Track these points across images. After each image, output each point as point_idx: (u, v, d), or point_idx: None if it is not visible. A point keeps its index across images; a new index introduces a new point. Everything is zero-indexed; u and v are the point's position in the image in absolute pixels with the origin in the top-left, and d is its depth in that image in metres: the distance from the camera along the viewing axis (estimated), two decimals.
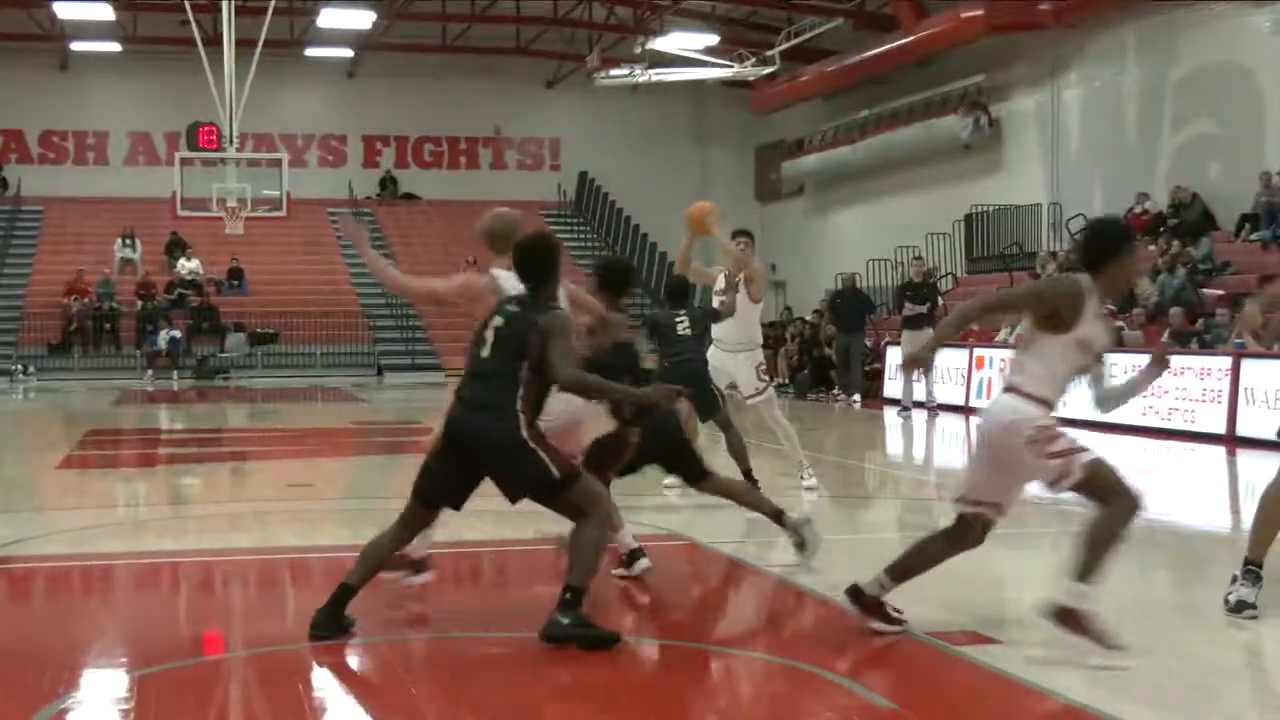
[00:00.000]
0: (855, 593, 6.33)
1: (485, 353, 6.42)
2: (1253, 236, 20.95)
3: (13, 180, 35.48)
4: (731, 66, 31.68)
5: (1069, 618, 5.76)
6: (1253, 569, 6.50)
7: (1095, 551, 5.94)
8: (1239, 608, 6.47)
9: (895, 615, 6.28)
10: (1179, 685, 5.67)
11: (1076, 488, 6.03)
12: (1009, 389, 6.16)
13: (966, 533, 6.30)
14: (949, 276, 26.72)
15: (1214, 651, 6.18)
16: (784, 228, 36.99)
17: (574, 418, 7.48)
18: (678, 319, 11.04)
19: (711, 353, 11.46)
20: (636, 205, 36.85)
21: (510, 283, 6.97)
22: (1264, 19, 21.80)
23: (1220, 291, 19.74)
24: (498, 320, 6.42)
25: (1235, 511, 11.43)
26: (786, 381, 25.48)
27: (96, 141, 36.29)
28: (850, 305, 23.75)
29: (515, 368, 6.30)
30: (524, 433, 6.26)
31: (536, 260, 6.78)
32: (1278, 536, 6.64)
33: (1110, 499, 5.99)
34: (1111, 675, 5.66)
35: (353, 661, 6.45)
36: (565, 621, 6.09)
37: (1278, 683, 6.10)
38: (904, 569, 6.42)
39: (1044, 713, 5.52)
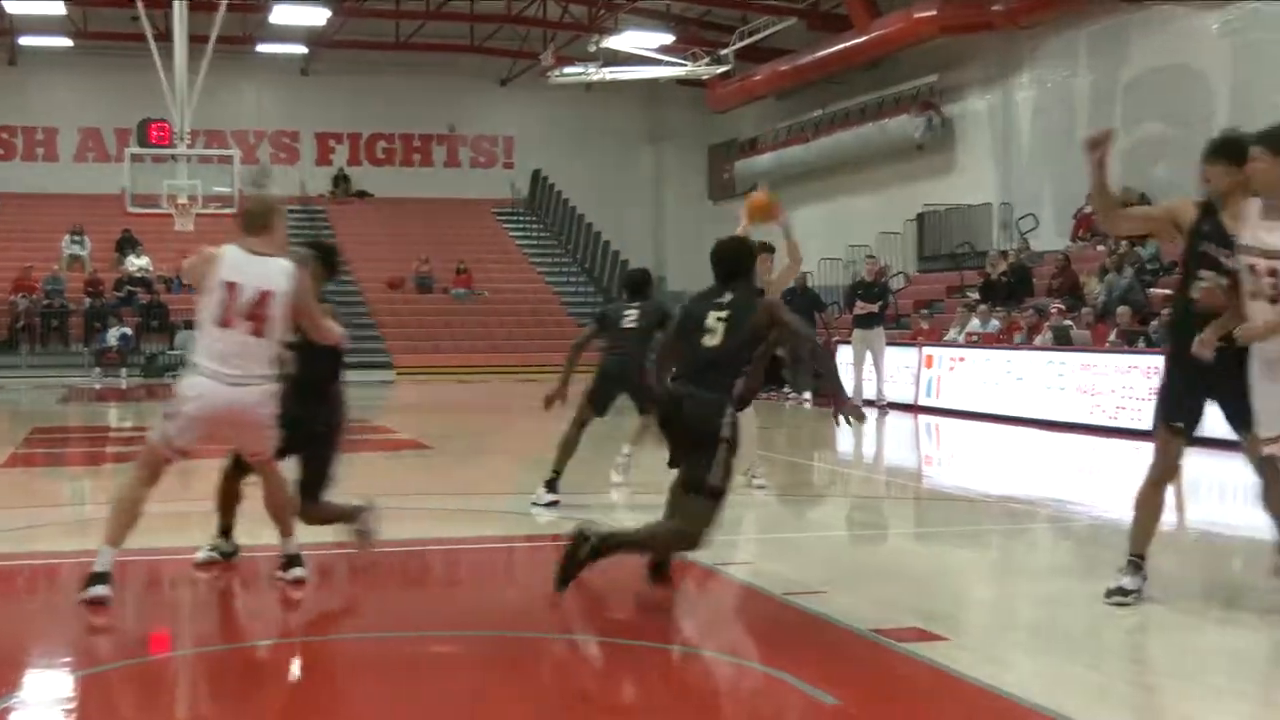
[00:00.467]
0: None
1: (714, 341, 6.81)
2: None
3: None
4: (685, 65, 31.75)
5: None
6: (1135, 560, 6.72)
7: None
8: (1113, 593, 6.62)
9: None
10: (1122, 681, 5.77)
11: None
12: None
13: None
14: (900, 275, 26.76)
15: (1158, 648, 6.25)
16: (736, 226, 36.77)
17: None
18: (626, 312, 10.88)
19: None
20: (590, 204, 36.96)
21: (236, 257, 6.86)
22: (1212, 21, 22.03)
23: (1167, 291, 19.86)
24: (719, 313, 6.87)
25: (1179, 509, 11.52)
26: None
27: (45, 137, 36.03)
28: (800, 304, 23.81)
29: (745, 356, 6.81)
30: (725, 431, 6.65)
31: (740, 257, 7.49)
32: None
33: None
34: (1057, 671, 5.72)
35: (297, 660, 6.44)
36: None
37: (1221, 678, 6.15)
38: None
39: (988, 709, 5.46)
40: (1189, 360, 6.60)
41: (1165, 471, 6.94)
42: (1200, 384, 6.76)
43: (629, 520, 9.49)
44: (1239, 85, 21.50)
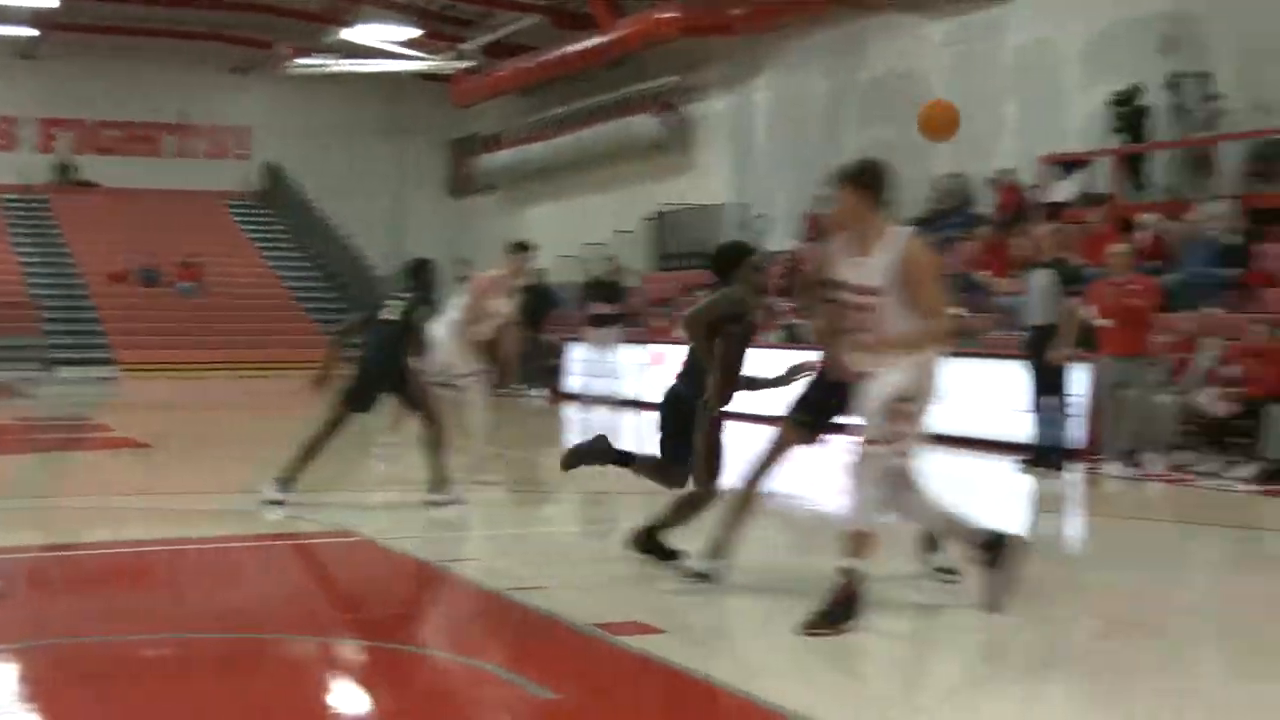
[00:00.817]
0: None
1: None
2: (926, 236, 21.67)
3: None
4: (428, 60, 31.61)
5: None
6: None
7: None
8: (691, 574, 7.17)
9: None
10: (828, 667, 6.00)
11: None
12: None
13: None
14: (635, 274, 26.96)
15: (860, 634, 6.37)
16: (476, 224, 37.09)
17: None
18: (388, 303, 10.54)
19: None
20: (328, 198, 36.55)
21: None
22: (937, 31, 22.67)
23: None
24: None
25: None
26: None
27: None
28: (533, 302, 23.89)
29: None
30: None
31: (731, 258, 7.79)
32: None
33: None
34: (762, 658, 5.96)
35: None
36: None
37: (917, 666, 6.36)
38: None
39: (697, 695, 5.60)
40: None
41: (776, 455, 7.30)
42: (832, 391, 7.02)
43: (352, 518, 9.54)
44: (959, 92, 22.18)
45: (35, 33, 33.14)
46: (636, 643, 6.08)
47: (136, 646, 6.44)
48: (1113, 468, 12.83)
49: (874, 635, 6.35)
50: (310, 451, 10.05)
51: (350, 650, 6.66)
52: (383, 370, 10.30)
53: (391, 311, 10.39)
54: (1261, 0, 17.80)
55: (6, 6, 30.22)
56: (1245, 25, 17.92)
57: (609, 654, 6.18)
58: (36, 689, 5.79)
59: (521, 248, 12.60)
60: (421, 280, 11.09)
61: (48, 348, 30.45)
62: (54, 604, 7.67)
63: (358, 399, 10.34)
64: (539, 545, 9.80)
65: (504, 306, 12.19)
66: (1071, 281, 12.62)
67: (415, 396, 10.52)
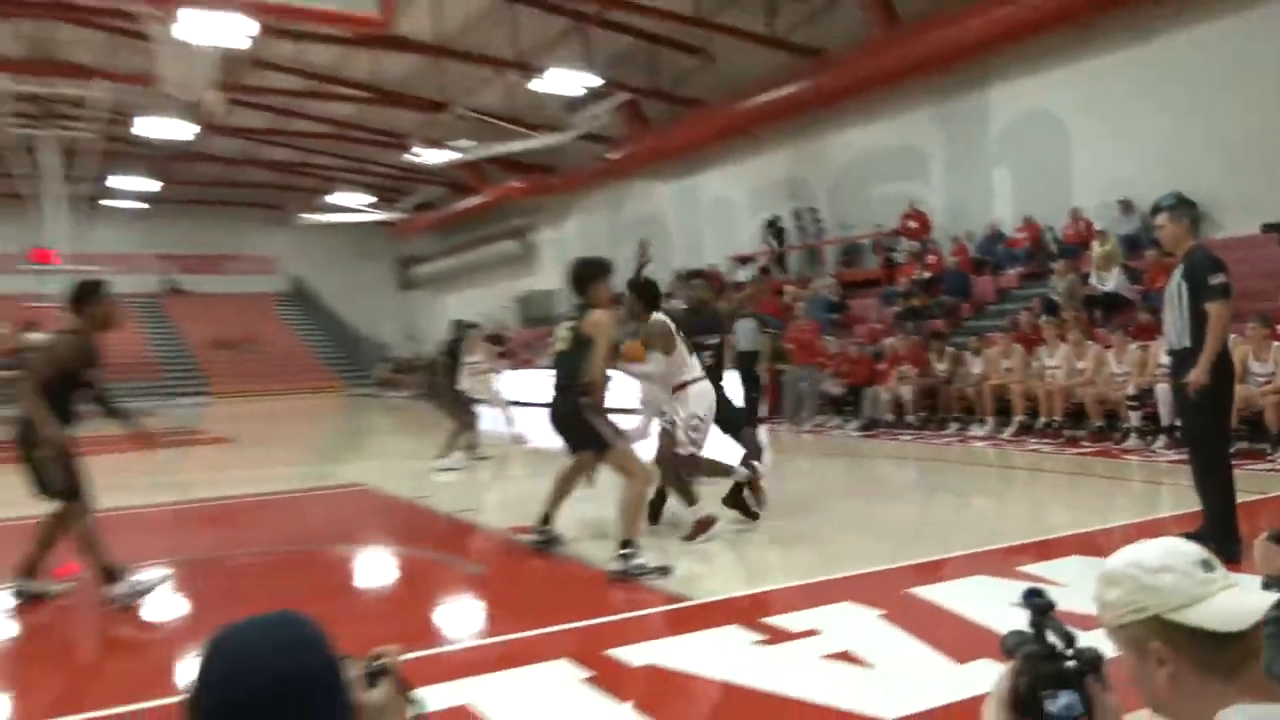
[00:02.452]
0: None
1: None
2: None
3: None
4: (380, 212, 31.21)
5: None
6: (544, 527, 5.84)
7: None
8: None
9: None
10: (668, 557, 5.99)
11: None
12: None
13: None
14: (511, 330, 26.98)
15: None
16: (417, 305, 36.68)
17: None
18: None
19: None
20: (329, 293, 36.00)
21: None
22: (666, 187, 23.11)
23: None
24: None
25: None
26: (424, 391, 25.32)
27: None
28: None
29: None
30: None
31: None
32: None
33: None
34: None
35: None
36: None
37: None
38: None
39: (572, 571, 5.54)
40: None
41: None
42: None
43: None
44: (682, 225, 22.64)
45: (146, 205, 31.84)
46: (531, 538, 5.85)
47: (238, 557, 6.33)
48: (785, 426, 13.21)
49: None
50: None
51: (356, 551, 6.57)
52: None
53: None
54: (839, 166, 18.57)
55: (130, 190, 29.04)
56: (831, 180, 18.73)
57: (518, 547, 5.95)
58: (192, 584, 5.71)
59: (472, 325, 11.75)
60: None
61: (167, 388, 29.35)
62: (189, 535, 7.52)
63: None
64: (491, 491, 9.30)
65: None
66: (764, 325, 12.70)
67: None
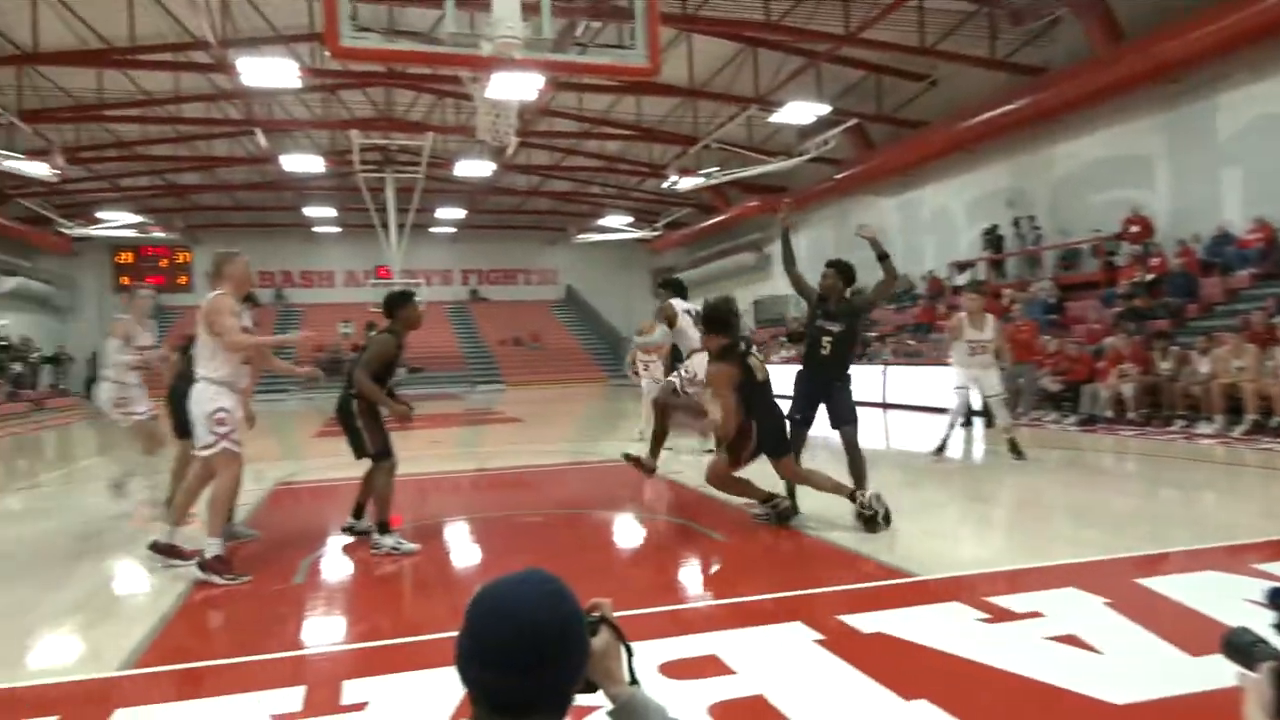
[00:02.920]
0: None
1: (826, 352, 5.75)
2: (889, 307, 21.28)
3: (285, 295, 35.04)
4: (639, 231, 31.99)
5: None
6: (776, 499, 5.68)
7: None
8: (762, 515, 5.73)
9: None
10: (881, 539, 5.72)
11: None
12: None
13: None
14: (750, 330, 26.88)
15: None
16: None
17: None
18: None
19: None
20: (598, 300, 37.23)
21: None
22: (890, 202, 22.30)
23: (874, 334, 20.04)
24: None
25: (887, 442, 11.46)
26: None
27: (327, 274, 35.98)
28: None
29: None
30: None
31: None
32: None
33: None
34: (850, 533, 5.70)
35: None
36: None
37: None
38: None
39: (811, 545, 5.46)
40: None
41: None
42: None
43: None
44: (904, 236, 21.82)
45: (454, 230, 34.35)
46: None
47: (524, 517, 6.41)
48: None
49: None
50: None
51: (617, 516, 6.56)
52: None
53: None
54: (1058, 176, 17.17)
55: (445, 219, 31.41)
56: (1051, 189, 17.32)
57: (751, 521, 5.75)
58: (486, 538, 5.87)
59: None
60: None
61: (470, 377, 31.52)
62: (483, 497, 7.74)
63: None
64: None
65: None
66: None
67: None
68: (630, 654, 1.46)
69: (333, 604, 4.39)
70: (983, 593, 3.93)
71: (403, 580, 4.82)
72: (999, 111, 16.28)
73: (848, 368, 5.89)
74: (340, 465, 7.50)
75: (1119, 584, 4.03)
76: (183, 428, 5.62)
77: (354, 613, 4.20)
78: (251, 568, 4.89)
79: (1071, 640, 3.33)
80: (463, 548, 5.61)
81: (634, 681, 1.45)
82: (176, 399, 5.64)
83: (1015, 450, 8.56)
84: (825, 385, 5.80)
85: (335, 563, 5.16)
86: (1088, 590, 3.92)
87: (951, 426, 9.07)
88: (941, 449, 8.93)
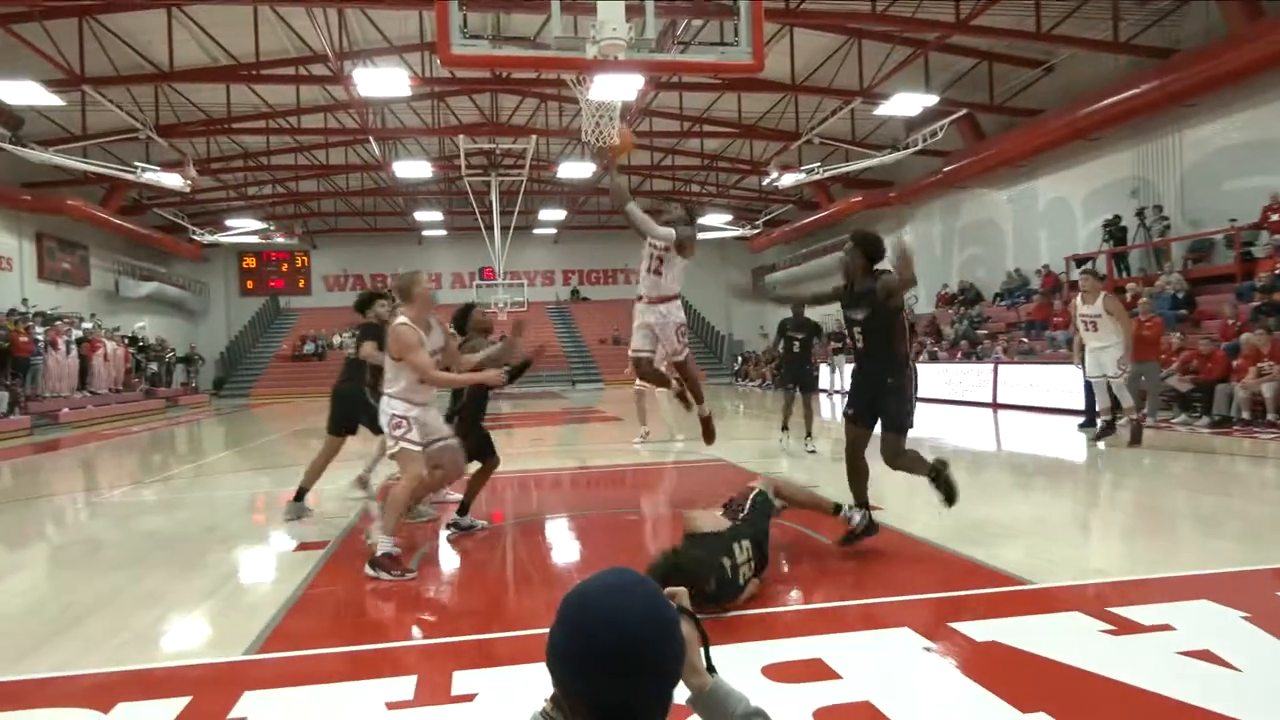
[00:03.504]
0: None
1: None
2: (1001, 303, 20.64)
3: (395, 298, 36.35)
4: (738, 229, 31.80)
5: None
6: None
7: None
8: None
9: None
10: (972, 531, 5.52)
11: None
12: None
13: None
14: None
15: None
16: (767, 309, 36.91)
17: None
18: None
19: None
20: (700, 298, 37.10)
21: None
22: (1002, 195, 21.52)
23: (984, 332, 19.47)
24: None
25: (998, 443, 11.20)
26: (769, 382, 25.65)
27: (436, 277, 37.16)
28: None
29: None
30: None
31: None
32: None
33: None
34: (940, 523, 5.43)
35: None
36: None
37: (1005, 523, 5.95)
38: None
39: (901, 543, 5.33)
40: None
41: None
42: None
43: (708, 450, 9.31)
44: (1017, 229, 21.04)
45: (555, 231, 34.90)
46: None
47: (625, 515, 6.41)
48: (1124, 421, 11.63)
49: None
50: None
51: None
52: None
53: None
54: (1187, 163, 16.19)
55: (548, 221, 31.96)
56: (1179, 177, 16.35)
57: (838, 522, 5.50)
58: (587, 534, 5.87)
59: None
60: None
61: (571, 375, 31.99)
62: (584, 494, 7.63)
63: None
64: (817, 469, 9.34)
65: None
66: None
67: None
68: (707, 644, 1.46)
69: (442, 597, 4.51)
70: (1106, 602, 3.74)
71: (508, 575, 4.92)
72: (1122, 97, 15.44)
73: (894, 361, 4.88)
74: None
75: (1258, 597, 3.76)
76: (334, 423, 6.57)
77: (462, 606, 4.32)
78: (363, 562, 5.09)
79: (1206, 655, 3.13)
80: (564, 543, 5.68)
81: (711, 670, 1.45)
82: (340, 397, 6.59)
83: (1136, 437, 9.11)
84: (872, 383, 4.99)
85: (445, 556, 5.30)
86: (1223, 603, 3.67)
87: (1103, 412, 9.61)
88: (1105, 429, 9.58)
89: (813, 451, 9.45)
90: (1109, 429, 9.62)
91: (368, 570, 4.74)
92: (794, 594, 4.39)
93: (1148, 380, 11.60)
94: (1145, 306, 11.81)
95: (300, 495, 6.48)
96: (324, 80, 17.81)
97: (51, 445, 14.39)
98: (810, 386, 10.28)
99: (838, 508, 4.96)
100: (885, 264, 5.08)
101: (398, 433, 4.96)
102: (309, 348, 33.17)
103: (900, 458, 4.96)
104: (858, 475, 5.16)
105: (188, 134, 20.91)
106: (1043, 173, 19.94)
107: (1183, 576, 4.18)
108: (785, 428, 10.21)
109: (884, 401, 4.94)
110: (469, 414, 5.84)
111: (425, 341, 5.02)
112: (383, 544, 4.80)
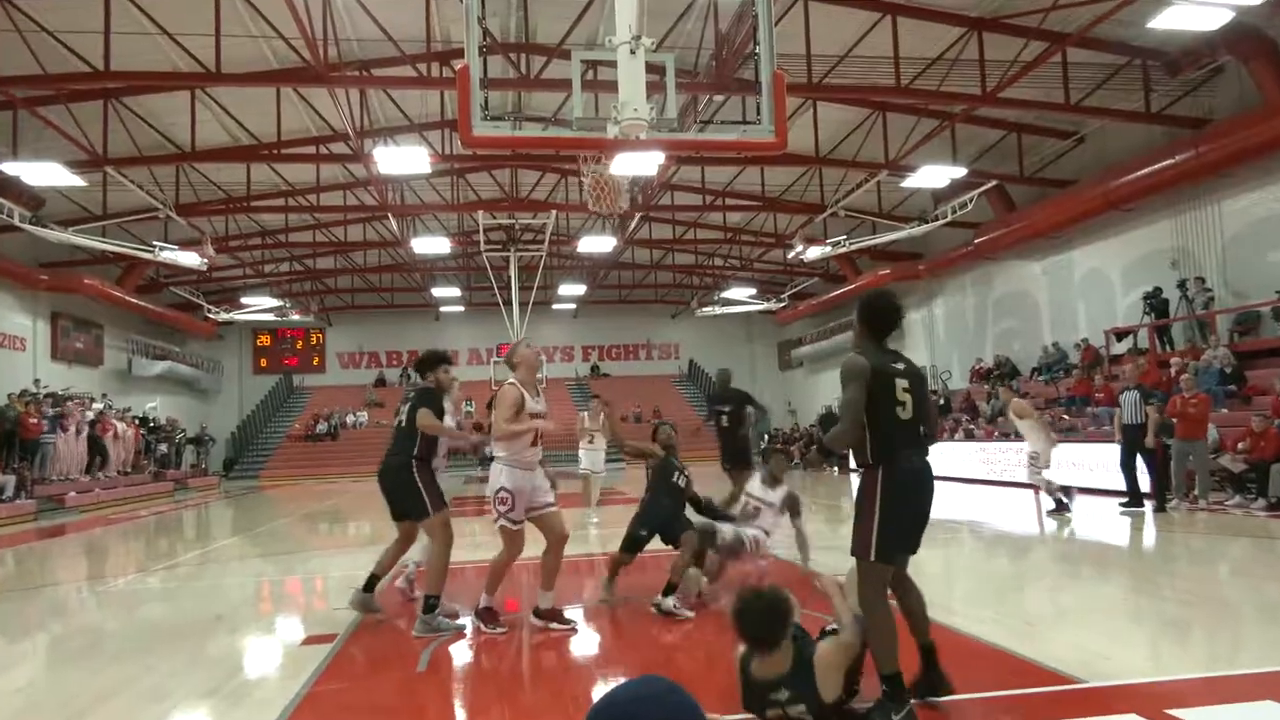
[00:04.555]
0: None
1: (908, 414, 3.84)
2: (1039, 378, 20.48)
3: (413, 376, 36.62)
4: (763, 303, 31.98)
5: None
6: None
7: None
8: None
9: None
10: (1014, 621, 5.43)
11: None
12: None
13: None
14: None
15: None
16: (794, 384, 37.00)
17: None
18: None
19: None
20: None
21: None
22: (1036, 266, 21.57)
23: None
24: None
25: (1041, 526, 11.01)
26: (798, 461, 25.53)
27: (452, 353, 37.44)
28: (829, 421, 23.96)
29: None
30: None
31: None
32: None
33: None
34: (979, 614, 5.33)
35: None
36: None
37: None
38: None
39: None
40: None
41: None
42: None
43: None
44: (1053, 302, 21.04)
45: (574, 306, 35.25)
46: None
47: (639, 606, 6.50)
48: (1174, 503, 11.41)
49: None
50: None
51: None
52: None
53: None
54: (1230, 233, 16.21)
55: (567, 297, 32.31)
56: (1221, 247, 16.37)
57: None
58: (606, 625, 5.80)
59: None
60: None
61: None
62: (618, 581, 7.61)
63: None
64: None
65: None
66: (1148, 397, 11.31)
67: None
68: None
69: (453, 694, 4.45)
70: (1163, 703, 3.63)
71: (523, 670, 4.84)
72: (1157, 167, 15.61)
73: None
74: (467, 546, 7.59)
75: None
76: (393, 509, 6.01)
77: (475, 705, 4.24)
78: (378, 653, 5.04)
79: None
80: (590, 636, 5.55)
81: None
82: (390, 477, 5.90)
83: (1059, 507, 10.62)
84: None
85: (459, 651, 5.22)
86: None
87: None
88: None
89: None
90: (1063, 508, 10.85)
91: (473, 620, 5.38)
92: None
93: (1195, 460, 11.45)
94: (1189, 383, 11.71)
95: (370, 585, 6.00)
96: (344, 158, 18.38)
97: (57, 530, 14.46)
98: (745, 463, 9.27)
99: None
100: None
101: (501, 509, 5.45)
102: (321, 427, 33.38)
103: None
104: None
105: (207, 212, 21.52)
106: (1078, 243, 20.03)
107: (1245, 675, 4.05)
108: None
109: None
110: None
111: (529, 404, 5.49)
112: (483, 599, 5.59)
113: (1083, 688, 3.94)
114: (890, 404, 3.84)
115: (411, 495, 5.72)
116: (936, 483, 3.90)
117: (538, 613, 5.63)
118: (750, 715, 3.59)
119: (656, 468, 6.63)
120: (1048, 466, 11.28)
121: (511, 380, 5.58)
